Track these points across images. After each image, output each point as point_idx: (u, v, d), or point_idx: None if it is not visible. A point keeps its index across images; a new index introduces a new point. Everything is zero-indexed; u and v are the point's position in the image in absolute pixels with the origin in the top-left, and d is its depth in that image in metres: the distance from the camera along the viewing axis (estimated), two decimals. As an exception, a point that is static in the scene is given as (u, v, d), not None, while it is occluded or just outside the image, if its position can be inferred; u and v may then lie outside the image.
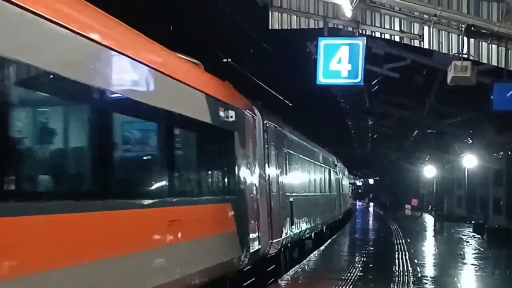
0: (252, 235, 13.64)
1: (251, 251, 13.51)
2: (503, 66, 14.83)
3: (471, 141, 36.39)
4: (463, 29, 14.81)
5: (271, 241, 15.63)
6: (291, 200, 19.78)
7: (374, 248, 25.15)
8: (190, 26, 22.65)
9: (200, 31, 22.85)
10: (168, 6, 21.92)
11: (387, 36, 15.71)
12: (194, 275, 10.24)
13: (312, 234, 26.12)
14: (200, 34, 22.53)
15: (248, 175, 13.52)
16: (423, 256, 22.01)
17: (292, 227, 19.65)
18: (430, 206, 54.91)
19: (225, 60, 21.99)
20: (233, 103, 12.58)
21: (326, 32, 15.17)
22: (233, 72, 21.56)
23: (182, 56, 11.03)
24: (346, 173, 49.95)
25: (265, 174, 15.55)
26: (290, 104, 33.30)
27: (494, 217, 34.83)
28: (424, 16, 15.00)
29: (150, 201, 8.94)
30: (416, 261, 19.55)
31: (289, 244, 19.58)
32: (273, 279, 16.72)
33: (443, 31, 15.11)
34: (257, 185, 14.34)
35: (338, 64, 14.21)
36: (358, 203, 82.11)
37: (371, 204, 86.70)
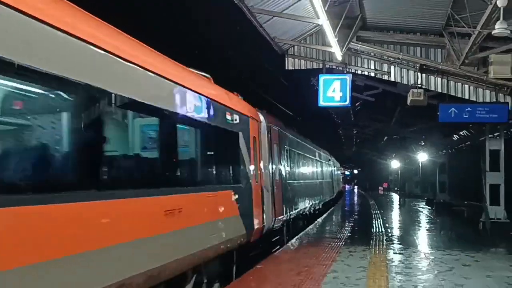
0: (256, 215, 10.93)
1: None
2: (445, 92, 14.73)
3: (423, 143, 36.13)
4: (417, 67, 14.73)
5: (274, 218, 12.99)
6: (292, 185, 16.81)
7: (358, 217, 24.91)
8: (228, 68, 22.42)
9: (235, 72, 22.70)
10: (206, 52, 21.04)
11: (366, 73, 15.66)
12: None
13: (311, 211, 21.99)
14: (236, 75, 22.38)
15: (253, 166, 11.03)
16: (391, 222, 21.77)
17: (294, 206, 16.84)
18: (395, 188, 54.46)
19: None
20: (238, 109, 10.22)
21: (324, 71, 15.16)
22: (261, 100, 21.41)
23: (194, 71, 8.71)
24: (332, 161, 39.29)
25: (270, 166, 12.96)
26: (299, 119, 33.19)
27: (440, 195, 34.25)
28: (391, 59, 14.96)
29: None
30: (387, 225, 19.33)
31: (291, 220, 16.19)
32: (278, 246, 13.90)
33: (404, 69, 15.06)
34: (262, 174, 11.84)
35: (333, 92, 14.21)
36: (347, 186, 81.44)
37: (356, 186, 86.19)
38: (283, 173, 15.22)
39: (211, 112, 8.54)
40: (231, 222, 9.15)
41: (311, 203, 21.73)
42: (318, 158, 26.93)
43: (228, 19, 17.27)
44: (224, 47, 21.21)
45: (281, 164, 14.85)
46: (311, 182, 23.13)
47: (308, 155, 22.52)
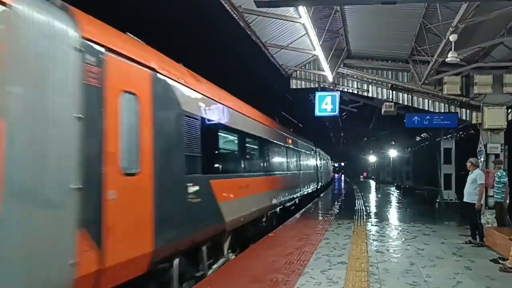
0: None
1: None
2: (410, 105, 14.59)
3: (393, 143, 35.81)
4: (389, 86, 14.61)
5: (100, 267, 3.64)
6: (209, 183, 6.56)
7: (344, 197, 24.73)
8: (249, 87, 22.26)
9: (253, 90, 22.47)
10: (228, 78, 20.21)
11: (350, 91, 15.56)
12: None
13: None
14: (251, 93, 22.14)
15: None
16: (370, 201, 21.55)
17: (210, 219, 6.68)
18: (372, 176, 53.94)
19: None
20: None
21: (319, 89, 15.10)
22: (274, 112, 21.03)
23: None
24: (319, 153, 28.08)
25: (94, 143, 3.63)
26: (301, 125, 32.96)
27: (406, 181, 33.92)
28: (369, 80, 14.85)
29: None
30: (366, 204, 19.19)
31: (198, 247, 6.38)
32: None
33: (379, 87, 14.93)
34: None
35: (326, 105, 14.12)
36: (336, 175, 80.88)
37: (343, 175, 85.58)
38: (171, 161, 5.47)
39: None
40: None
41: (271, 203, 11.51)
42: (292, 146, 16.20)
43: (247, 51, 17.34)
44: (246, 71, 21.41)
45: (157, 143, 5.02)
46: (272, 174, 11.95)
47: (270, 140, 12.14)
